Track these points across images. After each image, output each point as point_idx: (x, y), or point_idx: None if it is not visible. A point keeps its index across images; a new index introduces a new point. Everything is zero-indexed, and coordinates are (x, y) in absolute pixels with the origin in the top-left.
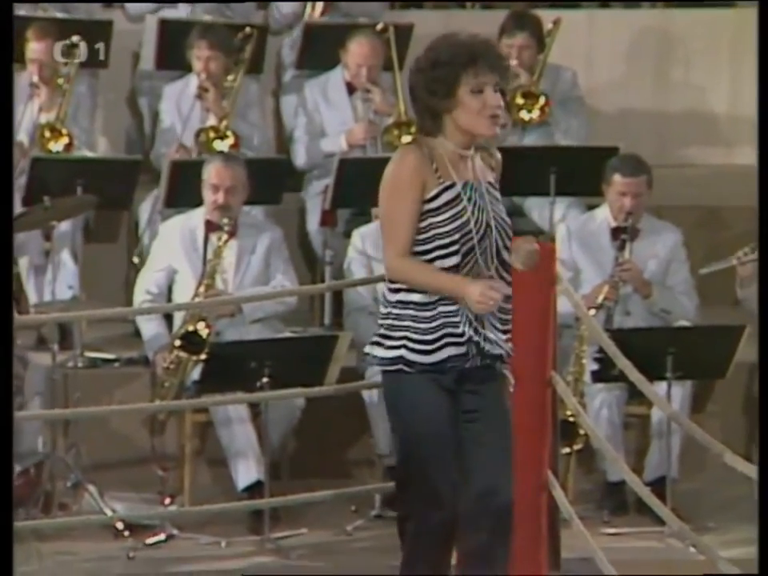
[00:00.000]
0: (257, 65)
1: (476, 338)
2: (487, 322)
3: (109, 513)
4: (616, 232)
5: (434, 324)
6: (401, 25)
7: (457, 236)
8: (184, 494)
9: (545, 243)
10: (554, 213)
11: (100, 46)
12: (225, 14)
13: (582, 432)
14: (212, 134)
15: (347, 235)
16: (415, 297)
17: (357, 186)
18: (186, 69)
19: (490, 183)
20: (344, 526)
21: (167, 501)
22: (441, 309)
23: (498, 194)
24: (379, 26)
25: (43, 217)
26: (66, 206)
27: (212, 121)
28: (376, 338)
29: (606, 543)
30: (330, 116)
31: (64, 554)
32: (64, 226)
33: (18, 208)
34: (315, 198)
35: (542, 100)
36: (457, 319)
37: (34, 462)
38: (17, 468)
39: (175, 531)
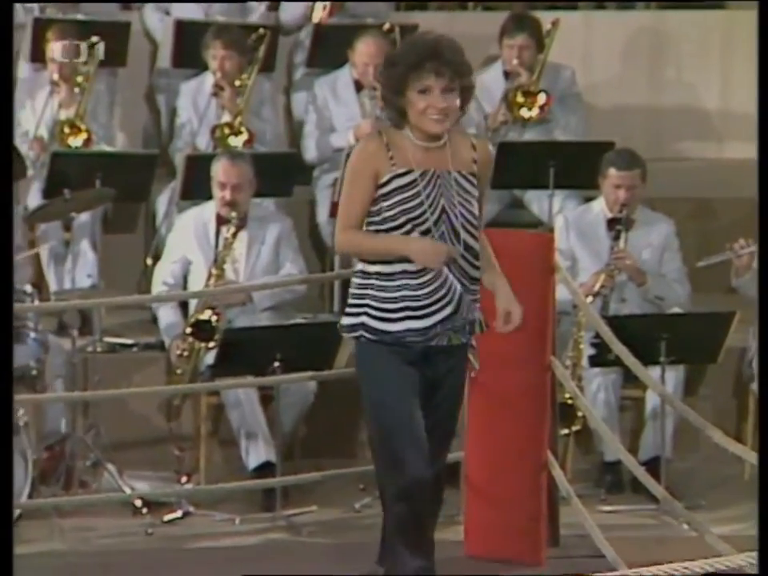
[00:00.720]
0: (269, 64)
1: (440, 315)
2: (453, 302)
3: (127, 491)
4: (612, 223)
5: (395, 294)
6: (406, 25)
7: (403, 219)
8: (200, 472)
9: (544, 233)
10: (553, 205)
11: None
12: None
13: (579, 414)
14: (227, 131)
15: None
16: (378, 267)
17: None
18: (202, 67)
19: (461, 174)
20: (352, 503)
21: (183, 479)
22: (402, 281)
23: (468, 185)
24: (385, 27)
25: (63, 208)
26: (85, 199)
27: (227, 117)
28: (347, 309)
29: (603, 520)
30: (338, 112)
31: (84, 530)
32: (83, 218)
33: (38, 200)
34: (324, 190)
35: (541, 98)
36: (418, 293)
37: (56, 442)
38: (41, 446)
39: (191, 508)
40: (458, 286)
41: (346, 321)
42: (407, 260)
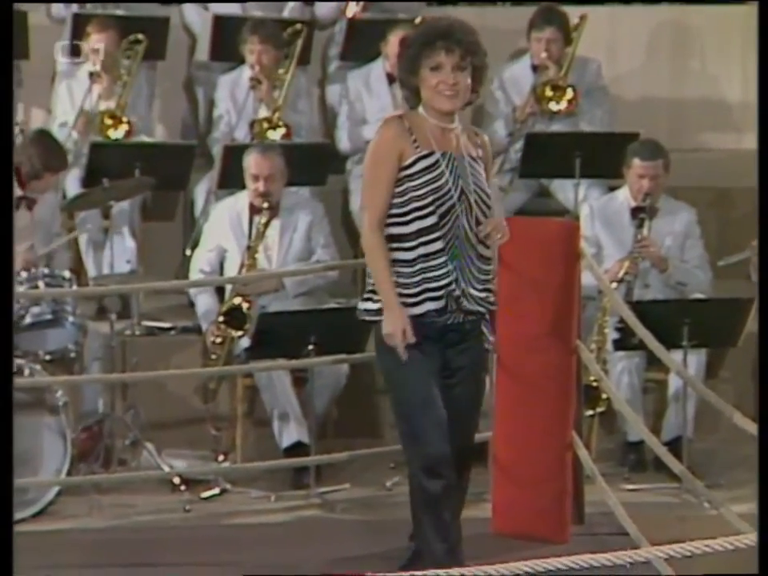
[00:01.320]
0: (305, 57)
1: (456, 293)
2: (466, 280)
3: (166, 468)
4: (635, 211)
5: (414, 279)
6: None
7: (431, 198)
8: (236, 451)
9: (570, 221)
10: (579, 194)
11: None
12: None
13: (604, 396)
14: (265, 125)
15: None
16: (398, 255)
17: None
18: (239, 60)
19: (472, 157)
20: (383, 481)
21: (220, 458)
22: (421, 266)
23: (480, 169)
24: (417, 21)
25: (102, 197)
26: (124, 188)
27: (264, 110)
28: (366, 294)
29: (626, 498)
30: (371, 104)
31: (123, 507)
32: (123, 205)
33: (77, 189)
34: (357, 179)
35: (569, 93)
36: (437, 273)
37: (94, 422)
38: (79, 426)
39: (228, 486)
40: (458, 264)
41: (366, 306)
42: (424, 244)
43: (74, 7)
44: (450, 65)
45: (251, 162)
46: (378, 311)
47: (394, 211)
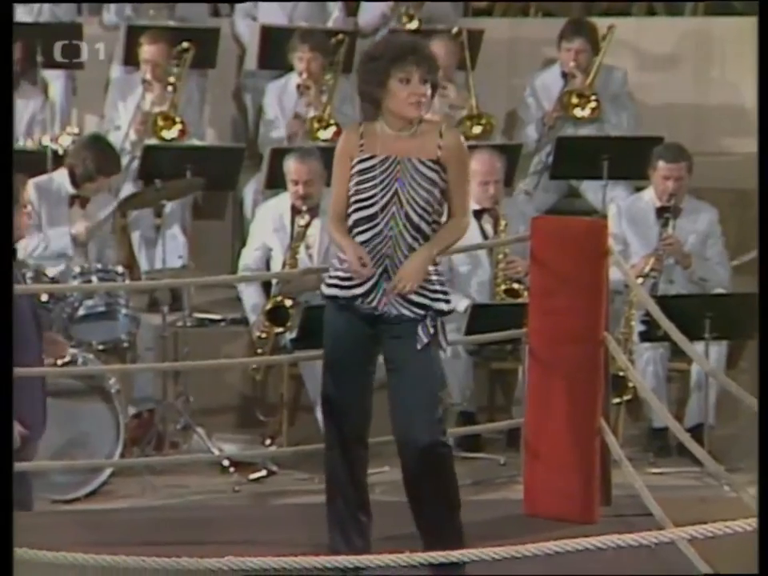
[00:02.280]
0: (348, 65)
1: (358, 291)
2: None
3: (216, 452)
4: (660, 211)
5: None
6: (473, 30)
7: (362, 196)
8: (282, 436)
9: (599, 220)
10: (606, 194)
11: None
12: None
13: (630, 385)
14: (316, 124)
15: None
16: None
17: None
18: (286, 68)
19: (421, 161)
20: None
21: (267, 442)
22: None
23: (428, 171)
24: (454, 31)
25: (154, 197)
26: (175, 188)
27: (312, 114)
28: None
29: (651, 481)
30: None
31: (176, 488)
32: (175, 204)
33: (130, 189)
34: None
35: (593, 101)
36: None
37: (147, 408)
38: (131, 411)
39: (274, 468)
40: (388, 261)
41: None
42: (357, 234)
43: (128, 8)
44: (418, 77)
45: (291, 167)
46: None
47: (348, 204)
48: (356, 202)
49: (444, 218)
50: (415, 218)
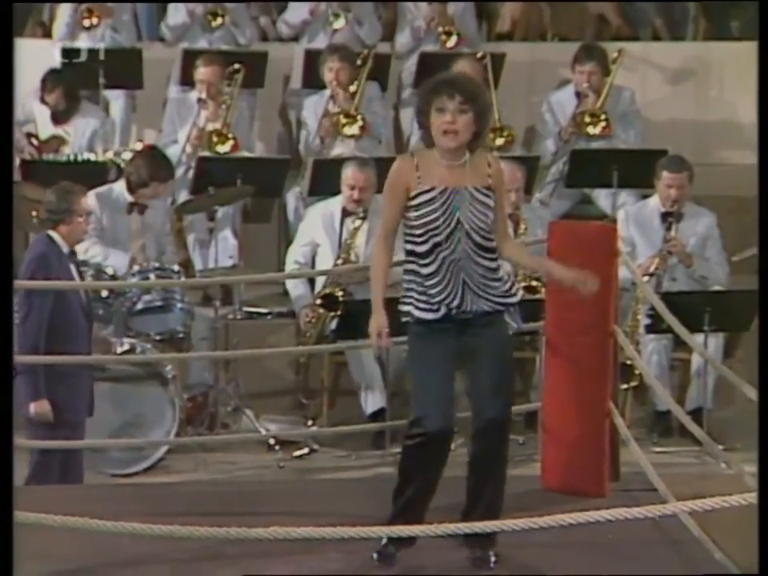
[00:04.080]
0: (376, 75)
1: (453, 304)
2: (472, 293)
3: (263, 431)
4: (664, 216)
5: (422, 289)
6: (496, 53)
7: (423, 230)
8: (322, 417)
9: (609, 224)
10: (616, 201)
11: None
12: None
13: (637, 372)
14: (344, 120)
15: None
16: (411, 266)
17: None
18: (325, 87)
19: (477, 189)
20: None
21: (309, 422)
22: (422, 280)
23: (484, 198)
24: (478, 54)
25: (208, 203)
26: (227, 195)
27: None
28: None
29: (655, 460)
30: None
31: (226, 464)
32: (227, 209)
33: (186, 196)
34: None
35: (604, 120)
36: (432, 291)
37: (200, 392)
38: (186, 395)
39: (316, 446)
40: (464, 277)
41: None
42: (422, 266)
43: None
44: (452, 108)
45: (349, 173)
46: (404, 313)
47: (409, 231)
48: (422, 234)
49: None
50: (479, 240)
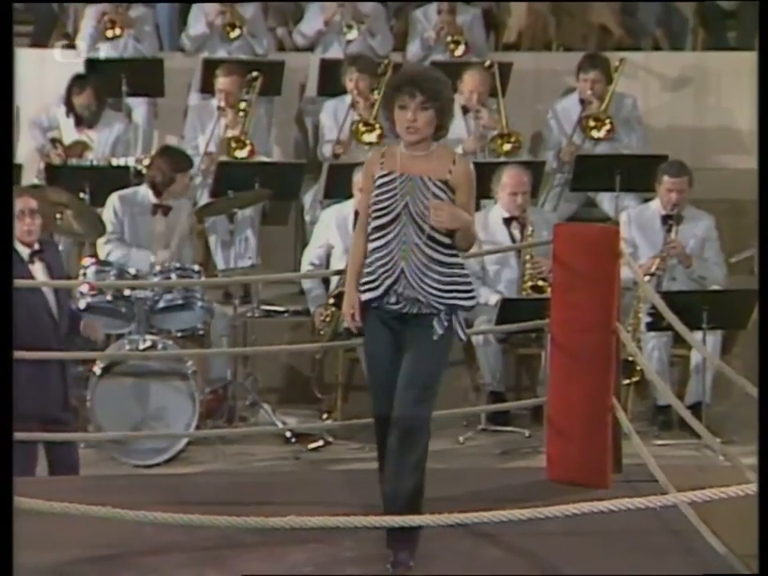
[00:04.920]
0: None
1: (398, 290)
2: (415, 281)
3: (280, 425)
4: (665, 218)
5: (368, 269)
6: (503, 62)
7: (373, 209)
8: (337, 411)
9: (612, 226)
10: (619, 204)
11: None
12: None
13: (638, 368)
14: (362, 128)
15: None
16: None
17: None
18: (339, 95)
19: (431, 180)
20: (457, 436)
21: (324, 416)
22: (373, 257)
23: (437, 190)
24: (486, 63)
25: (228, 205)
26: (246, 198)
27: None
28: None
29: (656, 452)
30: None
31: (244, 455)
32: (246, 212)
33: (206, 199)
34: None
35: (608, 123)
36: (382, 269)
37: (219, 387)
38: (206, 390)
39: (330, 439)
40: (405, 263)
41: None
42: (375, 239)
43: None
44: (413, 105)
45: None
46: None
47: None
48: (374, 211)
49: None
50: (427, 229)
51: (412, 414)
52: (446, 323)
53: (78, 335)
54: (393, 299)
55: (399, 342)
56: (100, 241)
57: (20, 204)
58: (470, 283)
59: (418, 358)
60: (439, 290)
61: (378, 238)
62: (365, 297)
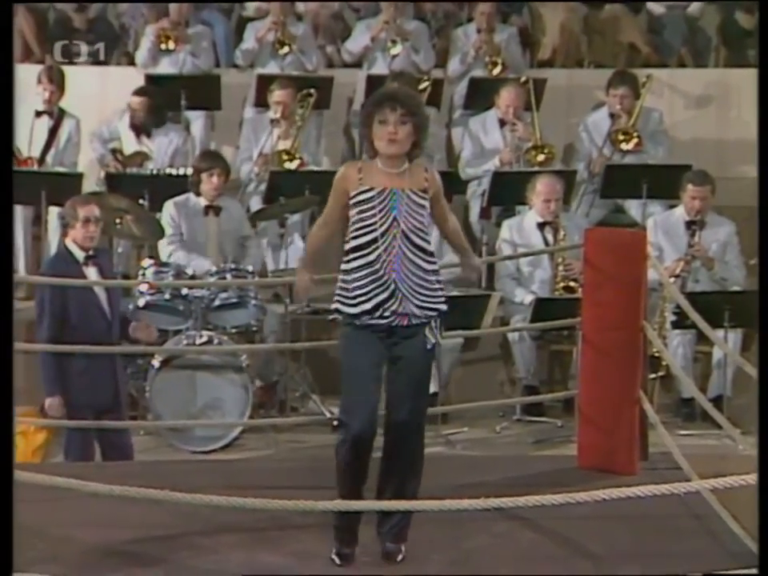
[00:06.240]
0: (435, 102)
1: (388, 303)
2: (403, 293)
3: (328, 414)
4: (689, 224)
5: (353, 285)
6: (538, 78)
7: (360, 225)
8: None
9: (639, 231)
10: (646, 210)
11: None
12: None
13: (664, 363)
14: None
15: (498, 225)
16: (347, 265)
17: (506, 190)
18: None
19: (413, 191)
20: (494, 426)
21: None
22: (356, 275)
23: (419, 199)
24: (522, 79)
25: (279, 211)
26: (296, 204)
27: None
28: (335, 296)
29: (680, 442)
30: (486, 142)
31: (295, 443)
32: (296, 217)
33: (259, 205)
34: (476, 198)
35: (635, 137)
36: (370, 284)
37: (272, 379)
38: (258, 383)
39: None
40: (396, 276)
41: (335, 306)
42: (359, 258)
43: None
44: (393, 119)
45: None
46: (337, 311)
47: (350, 229)
48: (358, 228)
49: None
50: (416, 239)
51: (413, 423)
52: (436, 330)
53: (128, 339)
54: (385, 314)
55: (386, 356)
56: (162, 242)
57: (86, 212)
58: (443, 288)
59: (414, 368)
60: (429, 297)
61: (366, 254)
62: (353, 310)
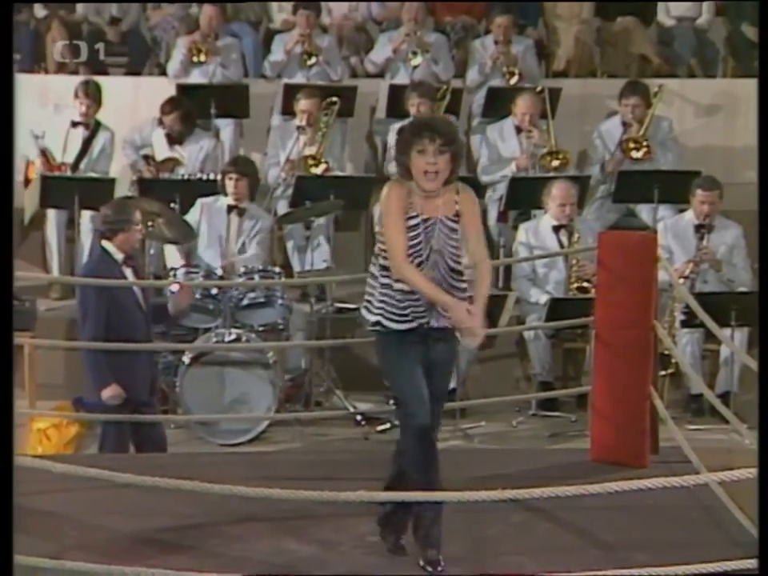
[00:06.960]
0: (454, 110)
1: (425, 321)
2: (439, 312)
3: (351, 409)
4: (698, 228)
5: (401, 305)
6: (553, 88)
7: (412, 251)
8: None
9: (650, 234)
10: (656, 214)
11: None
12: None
13: (673, 361)
14: None
15: (515, 228)
16: (388, 281)
17: (522, 195)
18: (406, 116)
19: (447, 217)
20: (510, 420)
21: (391, 402)
22: (400, 296)
23: (452, 224)
24: (538, 89)
25: (305, 214)
26: (321, 207)
27: None
28: (365, 304)
29: (689, 436)
30: (504, 148)
31: (319, 436)
32: (321, 220)
33: (286, 209)
34: (494, 202)
35: (645, 146)
36: (412, 305)
37: (297, 375)
38: (285, 378)
39: (396, 422)
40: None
41: (367, 316)
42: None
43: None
44: (432, 149)
45: None
46: (373, 323)
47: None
48: (409, 255)
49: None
50: (452, 264)
51: (438, 423)
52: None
53: (163, 321)
54: (422, 330)
55: (422, 359)
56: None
57: (138, 216)
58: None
59: (445, 372)
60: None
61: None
62: (394, 326)
